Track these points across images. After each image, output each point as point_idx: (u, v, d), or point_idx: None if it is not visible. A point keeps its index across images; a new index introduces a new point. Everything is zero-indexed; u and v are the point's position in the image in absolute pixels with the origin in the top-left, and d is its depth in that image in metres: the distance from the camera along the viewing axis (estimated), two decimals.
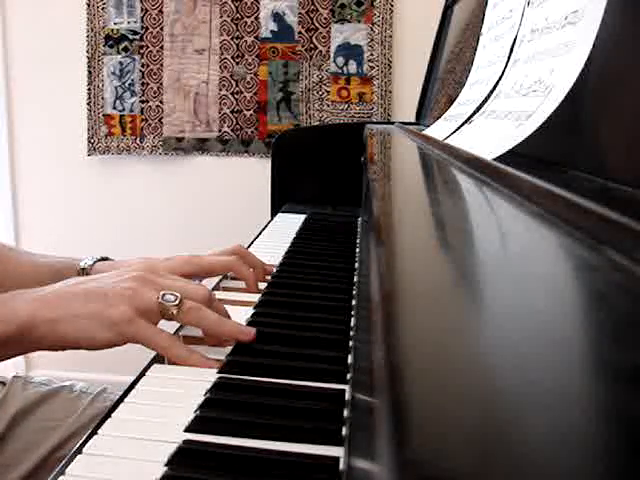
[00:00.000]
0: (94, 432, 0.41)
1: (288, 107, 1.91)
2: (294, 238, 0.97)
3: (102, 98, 1.98)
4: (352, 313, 0.60)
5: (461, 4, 1.16)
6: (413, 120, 1.41)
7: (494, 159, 0.48)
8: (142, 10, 1.93)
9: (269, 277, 0.75)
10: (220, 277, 0.77)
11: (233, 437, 0.40)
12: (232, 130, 1.94)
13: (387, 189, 0.56)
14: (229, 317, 0.56)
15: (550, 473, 0.13)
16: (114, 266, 0.73)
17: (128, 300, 0.50)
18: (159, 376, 0.49)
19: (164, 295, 0.51)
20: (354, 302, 0.63)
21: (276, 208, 1.29)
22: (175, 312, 0.51)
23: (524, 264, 0.27)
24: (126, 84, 1.97)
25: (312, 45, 1.88)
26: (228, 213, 1.97)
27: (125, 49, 1.95)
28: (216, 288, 0.74)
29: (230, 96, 1.93)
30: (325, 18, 1.87)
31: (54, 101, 2.01)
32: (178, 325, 0.58)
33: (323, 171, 1.35)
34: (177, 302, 0.51)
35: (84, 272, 0.74)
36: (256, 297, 0.67)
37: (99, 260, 0.77)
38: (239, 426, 0.41)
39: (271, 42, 1.90)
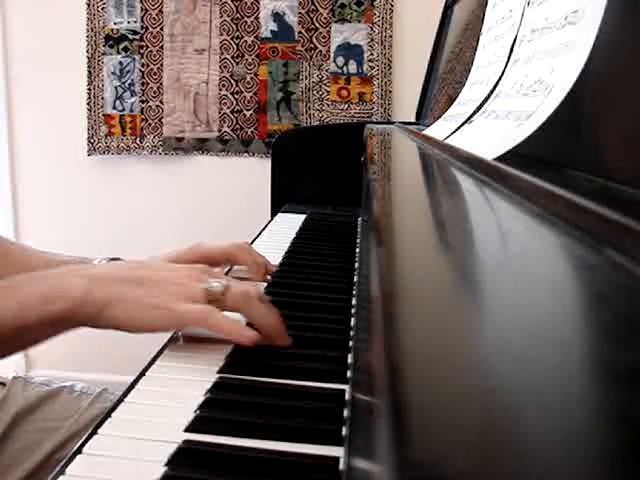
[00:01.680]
0: (94, 432, 0.41)
1: (288, 107, 1.91)
2: (294, 238, 0.97)
3: (102, 98, 1.98)
4: (352, 313, 0.60)
5: (461, 4, 1.16)
6: (413, 120, 1.41)
7: (494, 159, 0.48)
8: (142, 10, 1.93)
9: (269, 277, 0.75)
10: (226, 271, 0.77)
11: (233, 437, 0.40)
12: (232, 130, 1.94)
13: (387, 189, 0.56)
14: (276, 315, 0.54)
15: (550, 473, 0.13)
16: None
17: (176, 288, 0.52)
18: (159, 376, 0.49)
19: (210, 283, 0.53)
20: (354, 302, 0.63)
21: (276, 208, 1.29)
22: (221, 297, 0.52)
23: (524, 264, 0.27)
24: (126, 84, 1.97)
25: (312, 45, 1.88)
26: (228, 213, 1.97)
27: (125, 49, 1.95)
28: None
29: (230, 96, 1.93)
30: (325, 18, 1.87)
31: (54, 101, 2.01)
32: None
33: (323, 171, 1.35)
34: (223, 289, 0.52)
35: None
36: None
37: (110, 260, 0.77)
38: (239, 426, 0.41)
39: (271, 42, 1.90)
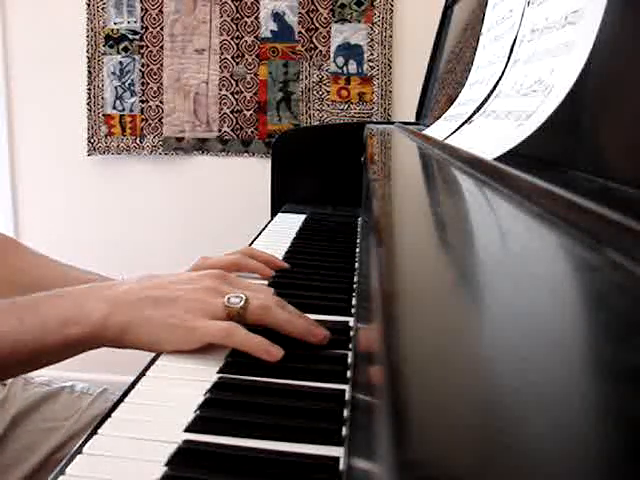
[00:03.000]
0: (94, 432, 0.41)
1: (288, 107, 1.91)
2: (294, 238, 0.97)
3: (102, 98, 1.98)
4: (352, 313, 0.60)
5: (461, 4, 1.16)
6: (413, 120, 1.41)
7: (494, 159, 0.48)
8: (142, 10, 1.93)
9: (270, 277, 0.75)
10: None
11: (233, 437, 0.40)
12: (232, 130, 1.94)
13: (387, 189, 0.56)
14: (301, 315, 0.55)
15: (550, 473, 0.13)
16: None
17: (195, 307, 0.51)
18: (159, 376, 0.49)
19: (229, 298, 0.52)
20: (354, 302, 0.63)
21: (276, 208, 1.29)
22: (241, 312, 0.52)
23: (524, 264, 0.27)
24: (126, 84, 1.97)
25: (312, 45, 1.88)
26: (228, 213, 1.97)
27: (125, 49, 1.95)
28: None
29: (230, 96, 1.93)
30: (325, 18, 1.87)
31: (54, 101, 2.01)
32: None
33: (323, 171, 1.35)
34: (243, 303, 0.52)
35: None
36: None
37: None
38: (239, 426, 0.41)
39: (271, 42, 1.90)
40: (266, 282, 0.72)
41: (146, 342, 0.51)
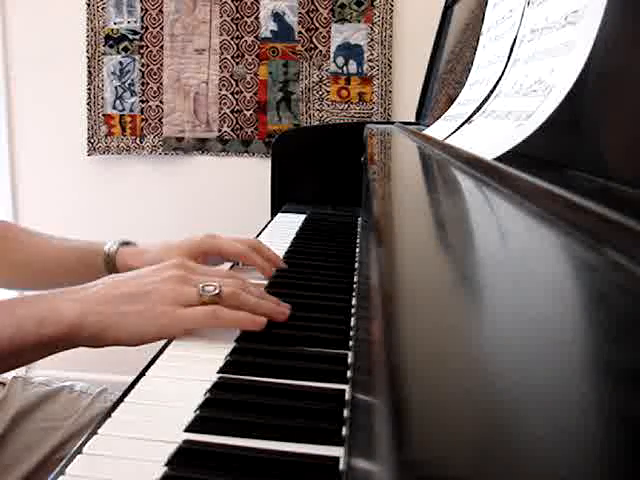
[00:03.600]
0: (94, 432, 0.41)
1: (288, 107, 1.91)
2: (294, 238, 0.97)
3: (102, 98, 1.98)
4: (352, 313, 0.60)
5: (461, 4, 1.16)
6: (413, 120, 1.41)
7: (494, 159, 0.48)
8: (142, 10, 1.93)
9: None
10: (230, 265, 0.79)
11: (233, 437, 0.40)
12: (232, 130, 1.94)
13: (387, 189, 0.56)
14: (265, 294, 0.60)
15: (550, 473, 0.13)
16: (139, 253, 0.77)
17: (171, 298, 0.53)
18: (159, 376, 0.49)
19: (204, 287, 0.54)
20: (354, 302, 0.63)
21: (276, 208, 1.29)
22: (216, 300, 0.54)
23: (524, 264, 0.27)
24: (126, 84, 1.97)
25: (312, 45, 1.88)
26: (228, 213, 1.97)
27: (125, 49, 1.95)
28: None
29: (230, 96, 1.93)
30: (325, 18, 1.87)
31: (54, 101, 2.01)
32: None
33: (323, 171, 1.35)
34: (217, 291, 0.54)
35: (108, 257, 0.78)
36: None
37: (122, 244, 0.80)
38: (239, 426, 0.41)
39: (271, 42, 1.90)
40: (266, 282, 0.72)
41: (126, 337, 0.52)
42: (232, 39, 1.92)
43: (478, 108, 0.67)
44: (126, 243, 0.81)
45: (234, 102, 1.93)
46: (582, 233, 0.27)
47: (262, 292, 0.60)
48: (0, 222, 0.86)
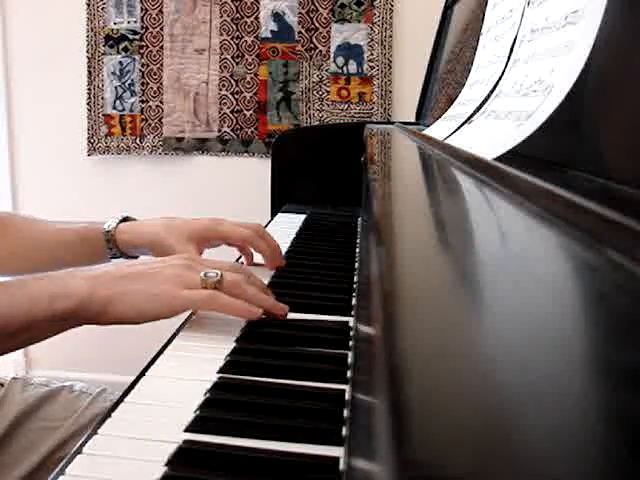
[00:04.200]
0: (94, 432, 0.41)
1: (288, 107, 1.91)
2: (294, 238, 0.97)
3: (102, 98, 1.98)
4: (352, 313, 0.60)
5: (461, 4, 1.16)
6: (413, 120, 1.41)
7: (494, 159, 0.48)
8: (142, 10, 1.93)
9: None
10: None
11: (233, 437, 0.40)
12: (232, 130, 1.94)
13: (387, 189, 0.56)
14: (267, 289, 0.62)
15: (550, 473, 0.13)
16: (138, 229, 0.79)
17: (174, 279, 0.56)
18: (159, 376, 0.49)
19: (206, 273, 0.56)
20: (354, 302, 0.63)
21: (276, 208, 1.29)
22: (218, 286, 0.56)
23: (524, 264, 0.27)
24: (126, 84, 1.97)
25: (312, 45, 1.88)
26: (228, 213, 1.95)
27: (125, 49, 1.95)
28: None
29: (230, 96, 1.93)
30: (325, 18, 1.87)
31: (54, 101, 2.01)
32: (189, 312, 0.61)
33: (323, 171, 1.35)
34: (218, 278, 0.56)
35: (109, 234, 0.79)
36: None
37: (122, 221, 0.81)
38: (239, 426, 0.41)
39: (271, 42, 1.90)
40: (266, 281, 0.72)
41: (130, 314, 0.54)
42: (232, 39, 1.92)
43: (478, 108, 0.67)
44: (125, 219, 0.82)
45: (234, 102, 1.93)
46: (582, 233, 0.27)
47: (265, 287, 0.62)
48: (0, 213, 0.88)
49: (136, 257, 0.81)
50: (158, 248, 0.76)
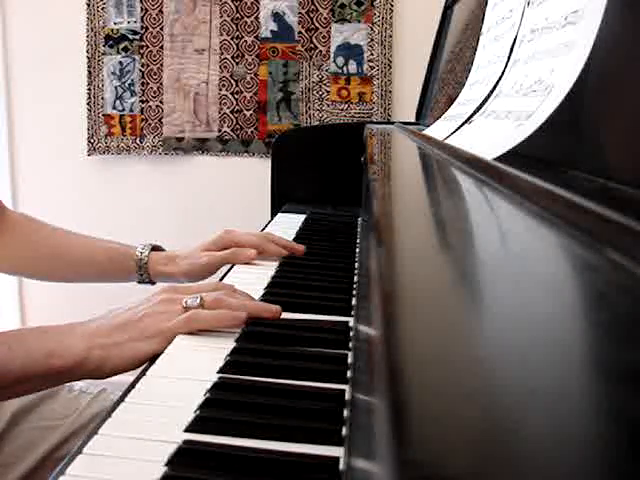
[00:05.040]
0: (94, 432, 0.41)
1: (288, 107, 1.91)
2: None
3: (102, 98, 1.98)
4: (352, 313, 0.60)
5: (461, 4, 1.16)
6: (413, 120, 1.41)
7: (494, 159, 0.48)
8: (142, 10, 1.93)
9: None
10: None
11: (233, 437, 0.40)
12: (232, 130, 1.94)
13: (387, 189, 0.56)
14: (252, 298, 0.63)
15: (550, 473, 0.13)
16: (171, 260, 0.86)
17: (158, 316, 0.57)
18: (159, 376, 0.49)
19: (187, 301, 0.58)
20: (354, 302, 0.63)
21: (276, 208, 1.29)
22: (199, 309, 0.57)
23: (524, 264, 0.27)
24: (126, 84, 1.97)
25: (312, 45, 1.88)
26: (228, 213, 1.97)
27: (125, 49, 1.95)
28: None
29: (230, 96, 1.93)
30: (325, 18, 1.87)
31: (54, 101, 2.01)
32: None
33: (323, 171, 1.35)
34: (200, 301, 0.58)
35: (141, 262, 0.87)
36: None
37: (152, 249, 0.88)
38: (239, 426, 0.41)
39: (271, 42, 1.90)
40: (266, 281, 0.72)
41: (123, 364, 0.55)
42: (232, 39, 1.92)
43: (478, 108, 0.67)
44: (154, 248, 0.89)
45: (234, 102, 1.93)
46: (582, 233, 0.27)
47: (251, 297, 0.63)
48: (20, 214, 0.94)
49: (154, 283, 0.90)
50: (192, 274, 0.85)
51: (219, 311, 0.57)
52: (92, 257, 0.90)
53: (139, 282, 0.89)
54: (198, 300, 0.58)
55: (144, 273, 0.87)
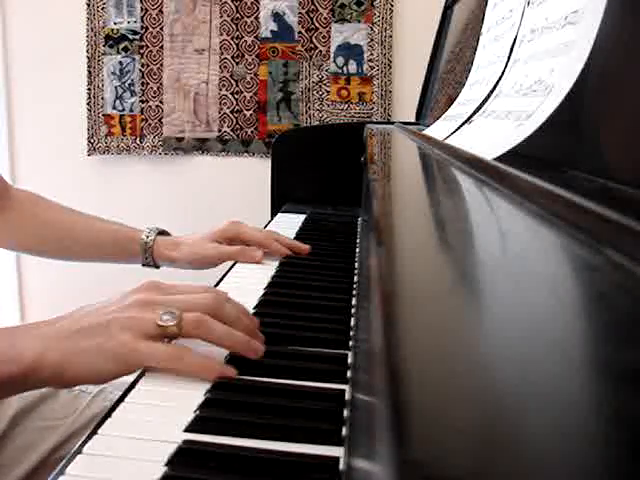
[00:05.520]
0: (94, 432, 0.41)
1: (288, 107, 1.91)
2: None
3: (102, 98, 1.98)
4: (352, 313, 0.60)
5: (461, 4, 1.16)
6: (413, 120, 1.41)
7: (494, 159, 0.48)
8: (142, 10, 1.93)
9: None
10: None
11: (233, 437, 0.40)
12: (232, 130, 1.94)
13: (387, 189, 0.56)
14: (246, 317, 0.53)
15: (550, 473, 0.13)
16: (174, 244, 0.87)
17: (129, 328, 0.48)
18: (159, 376, 0.49)
19: (162, 316, 0.49)
20: (354, 302, 0.63)
21: (276, 208, 1.29)
22: (176, 330, 0.48)
23: (524, 264, 0.27)
24: (126, 84, 1.97)
25: (312, 45, 1.88)
26: (228, 213, 1.96)
27: (125, 49, 1.95)
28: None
29: (230, 96, 1.93)
30: (325, 18, 1.87)
31: (54, 101, 2.01)
32: None
33: (323, 171, 1.35)
34: (176, 321, 0.48)
35: (146, 246, 0.88)
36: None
37: (159, 233, 0.90)
38: (239, 426, 0.41)
39: (271, 42, 1.90)
40: (266, 281, 0.72)
41: (87, 375, 0.48)
42: (232, 39, 1.92)
43: (478, 108, 0.67)
44: (162, 232, 0.90)
45: (234, 102, 1.93)
46: (582, 233, 0.27)
47: (243, 312, 0.54)
48: (28, 193, 0.94)
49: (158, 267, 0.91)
50: (196, 263, 0.86)
51: (206, 361, 0.48)
52: (97, 237, 0.90)
53: (143, 265, 0.89)
54: (175, 320, 0.48)
55: (149, 256, 0.88)
